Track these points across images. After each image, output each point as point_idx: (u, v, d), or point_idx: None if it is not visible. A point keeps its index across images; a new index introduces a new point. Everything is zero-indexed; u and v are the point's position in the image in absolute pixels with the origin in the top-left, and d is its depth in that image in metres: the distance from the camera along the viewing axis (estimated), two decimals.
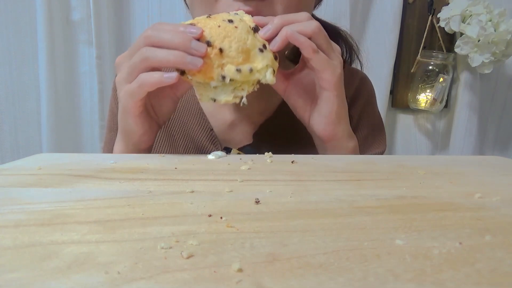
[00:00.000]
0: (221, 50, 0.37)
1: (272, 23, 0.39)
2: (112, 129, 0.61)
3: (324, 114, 0.43)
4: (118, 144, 0.46)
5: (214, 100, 0.39)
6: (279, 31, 0.39)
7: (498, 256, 0.17)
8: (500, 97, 1.24)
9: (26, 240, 0.18)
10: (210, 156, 0.39)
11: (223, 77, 0.37)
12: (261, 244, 0.18)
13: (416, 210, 0.23)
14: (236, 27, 0.38)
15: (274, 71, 0.39)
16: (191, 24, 0.38)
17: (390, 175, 0.32)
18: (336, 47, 0.43)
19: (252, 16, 0.41)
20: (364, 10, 1.17)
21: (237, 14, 0.40)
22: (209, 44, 0.37)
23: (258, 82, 0.40)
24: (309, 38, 0.39)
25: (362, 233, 0.19)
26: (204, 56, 0.36)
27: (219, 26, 0.37)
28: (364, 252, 0.17)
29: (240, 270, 0.15)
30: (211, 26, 0.37)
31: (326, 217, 0.22)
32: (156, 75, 0.37)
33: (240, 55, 0.37)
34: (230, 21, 0.38)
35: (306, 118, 0.45)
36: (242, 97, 0.39)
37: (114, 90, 0.60)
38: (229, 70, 0.37)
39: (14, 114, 1.16)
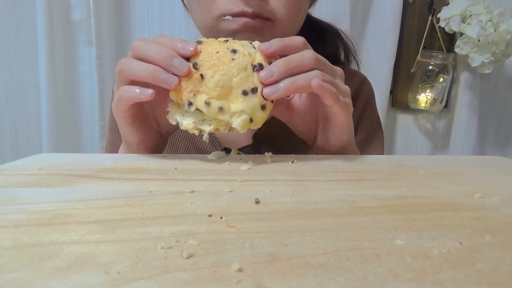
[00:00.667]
0: (202, 76, 0.35)
1: (276, 66, 0.35)
2: (114, 130, 0.60)
3: (333, 145, 0.41)
4: (121, 147, 0.46)
5: (177, 123, 0.37)
6: (282, 78, 0.35)
7: (498, 256, 0.17)
8: (500, 97, 1.24)
9: (26, 240, 0.18)
10: (210, 156, 0.39)
11: (190, 103, 0.35)
12: (261, 244, 0.18)
13: (416, 210, 0.23)
14: (233, 59, 0.35)
15: (251, 120, 0.35)
16: (198, 42, 0.36)
17: (390, 175, 0.32)
18: (340, 72, 0.40)
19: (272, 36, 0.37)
20: (364, 10, 1.17)
21: (254, 47, 0.37)
22: (195, 66, 0.35)
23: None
24: None
25: (362, 233, 0.19)
26: (185, 76, 0.35)
27: (217, 52, 0.35)
28: (364, 252, 0.17)
29: (240, 270, 0.15)
30: (210, 50, 0.35)
31: (326, 217, 0.22)
32: (134, 90, 0.36)
33: (217, 89, 0.34)
34: (234, 51, 0.35)
35: (311, 140, 0.44)
36: (203, 132, 0.36)
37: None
38: (199, 100, 0.35)
39: (14, 114, 1.16)
